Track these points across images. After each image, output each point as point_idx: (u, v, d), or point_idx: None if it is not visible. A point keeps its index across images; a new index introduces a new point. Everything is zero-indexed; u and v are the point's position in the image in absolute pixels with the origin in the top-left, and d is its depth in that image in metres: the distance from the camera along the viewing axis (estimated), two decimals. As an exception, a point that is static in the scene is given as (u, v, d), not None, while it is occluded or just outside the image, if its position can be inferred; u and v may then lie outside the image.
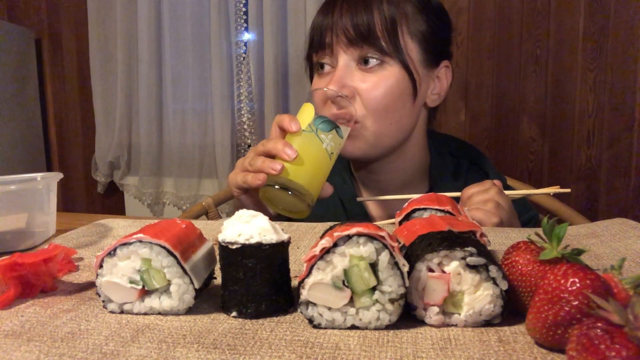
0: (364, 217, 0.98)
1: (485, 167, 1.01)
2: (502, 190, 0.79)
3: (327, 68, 0.89)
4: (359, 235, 0.40)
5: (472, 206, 0.76)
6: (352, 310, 0.41)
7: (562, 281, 0.35)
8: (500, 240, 0.65)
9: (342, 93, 0.82)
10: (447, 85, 0.93)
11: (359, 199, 0.92)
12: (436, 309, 0.41)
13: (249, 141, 2.26)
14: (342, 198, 0.98)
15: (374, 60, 0.84)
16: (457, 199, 0.80)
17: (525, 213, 0.93)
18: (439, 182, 0.97)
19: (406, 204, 0.61)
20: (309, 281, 0.41)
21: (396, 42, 0.84)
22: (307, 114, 0.76)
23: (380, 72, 0.85)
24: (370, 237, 0.40)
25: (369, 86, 0.85)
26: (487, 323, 0.41)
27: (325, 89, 0.83)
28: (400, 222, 0.58)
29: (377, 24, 0.84)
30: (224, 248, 0.44)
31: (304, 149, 0.72)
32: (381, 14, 0.84)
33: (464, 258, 0.40)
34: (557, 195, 1.18)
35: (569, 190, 0.79)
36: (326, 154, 0.74)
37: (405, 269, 0.40)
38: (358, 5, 0.84)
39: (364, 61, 0.85)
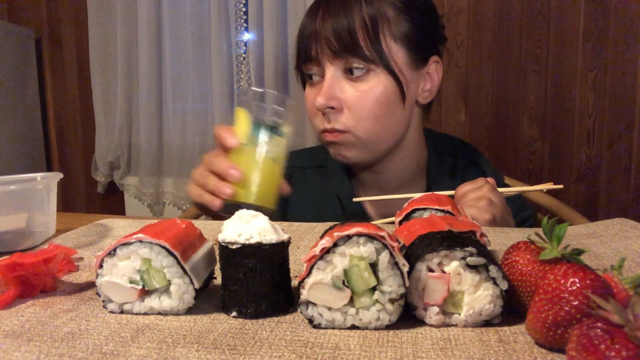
0: (362, 216, 0.98)
1: (482, 166, 1.01)
2: (495, 187, 0.79)
3: (316, 78, 0.90)
4: (359, 235, 0.40)
5: (465, 203, 0.76)
6: (352, 310, 0.41)
7: (562, 281, 0.35)
8: (500, 240, 0.65)
9: (330, 104, 0.84)
10: (439, 80, 0.93)
11: (355, 200, 0.93)
12: (436, 309, 0.41)
13: (249, 141, 2.26)
14: (340, 198, 0.99)
15: (360, 69, 0.85)
16: (451, 197, 0.81)
17: (521, 212, 0.93)
18: (436, 181, 0.97)
19: (406, 204, 0.61)
20: (309, 281, 0.41)
21: (379, 49, 0.84)
22: (243, 123, 0.74)
23: (367, 81, 0.85)
24: (370, 237, 0.40)
25: (357, 96, 0.85)
26: (487, 323, 0.41)
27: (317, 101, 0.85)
28: (400, 222, 0.58)
29: (359, 32, 0.83)
30: (224, 248, 0.44)
31: (247, 165, 0.72)
32: (362, 21, 0.83)
33: (464, 258, 0.40)
34: (556, 194, 1.18)
35: (561, 186, 0.80)
36: (271, 162, 0.73)
37: (405, 269, 0.40)
38: (339, 14, 0.84)
39: (350, 71, 0.85)
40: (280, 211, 1.03)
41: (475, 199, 0.76)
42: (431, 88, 0.93)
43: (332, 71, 0.86)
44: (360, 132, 0.87)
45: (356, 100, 0.85)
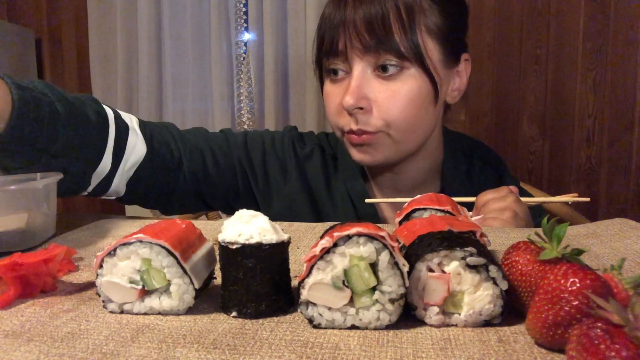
0: (374, 216, 0.94)
1: (499, 169, 0.98)
2: (519, 197, 0.76)
3: (340, 74, 0.83)
4: (359, 235, 0.40)
5: (488, 214, 0.74)
6: (352, 310, 0.41)
7: (562, 281, 0.35)
8: (500, 240, 0.65)
9: (360, 105, 0.78)
10: (467, 78, 0.88)
11: (367, 201, 0.88)
12: (436, 309, 0.41)
13: (249, 141, 2.26)
14: (352, 196, 0.94)
15: (394, 67, 0.78)
16: (471, 204, 0.78)
17: (537, 217, 0.92)
18: (451, 182, 0.94)
19: (406, 204, 0.61)
20: (309, 281, 0.41)
21: (416, 44, 0.77)
22: None
23: (400, 80, 0.79)
24: (370, 237, 0.40)
25: (388, 96, 0.79)
26: (487, 323, 0.41)
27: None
28: (400, 222, 0.58)
29: (395, 24, 0.76)
30: (224, 248, 0.44)
31: None
32: (398, 12, 0.76)
33: (464, 258, 0.40)
34: (556, 194, 1.18)
35: (588, 199, 0.76)
36: None
37: (405, 269, 0.40)
38: (372, 2, 0.77)
39: (382, 68, 0.79)
40: (301, 176, 0.97)
41: (499, 210, 0.73)
42: (460, 87, 0.88)
43: (360, 67, 0.79)
44: (392, 134, 0.81)
45: (387, 100, 0.79)
